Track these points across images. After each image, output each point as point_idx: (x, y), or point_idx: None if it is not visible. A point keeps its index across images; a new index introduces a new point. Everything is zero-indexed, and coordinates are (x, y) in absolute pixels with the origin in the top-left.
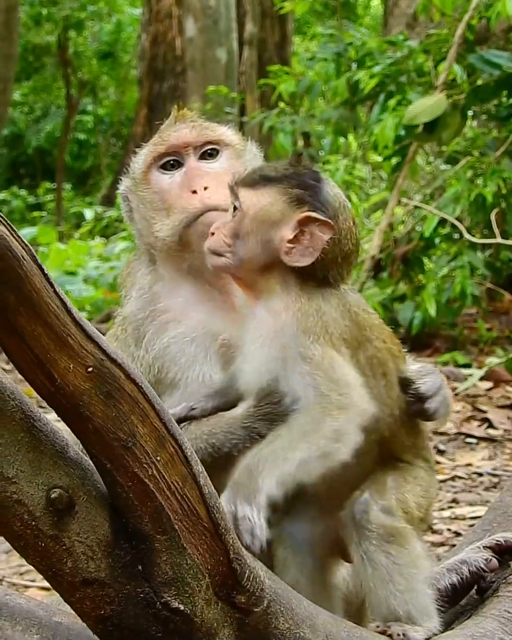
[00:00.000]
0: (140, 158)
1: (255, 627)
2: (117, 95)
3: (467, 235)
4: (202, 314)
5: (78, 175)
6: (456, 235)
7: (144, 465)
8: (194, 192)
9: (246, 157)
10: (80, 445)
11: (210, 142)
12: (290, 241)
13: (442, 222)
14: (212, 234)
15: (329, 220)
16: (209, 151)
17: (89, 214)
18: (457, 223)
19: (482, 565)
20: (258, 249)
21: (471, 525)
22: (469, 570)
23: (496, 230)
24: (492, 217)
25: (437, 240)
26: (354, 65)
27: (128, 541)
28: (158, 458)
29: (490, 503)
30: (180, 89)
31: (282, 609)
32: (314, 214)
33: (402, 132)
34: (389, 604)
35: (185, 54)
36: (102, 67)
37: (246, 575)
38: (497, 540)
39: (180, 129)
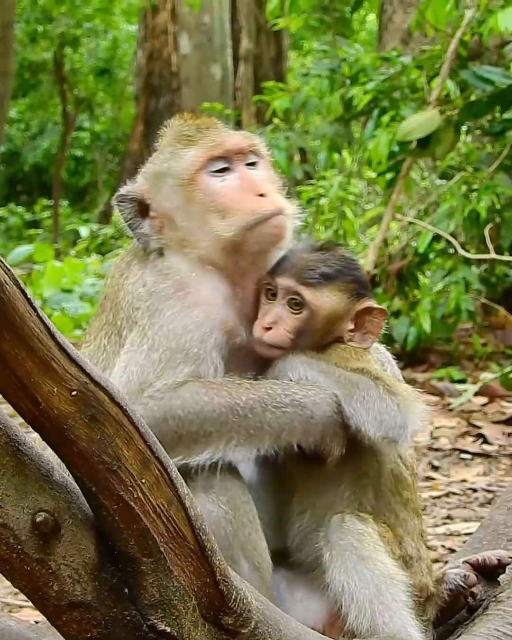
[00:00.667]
0: (186, 160)
1: None
2: (114, 111)
3: (461, 251)
4: (220, 313)
5: (75, 191)
6: (451, 251)
7: (129, 487)
8: (262, 195)
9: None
10: (66, 469)
11: (254, 152)
12: (351, 330)
13: (437, 237)
14: (269, 328)
15: (384, 308)
16: (252, 159)
17: (84, 231)
18: (451, 238)
19: (461, 583)
20: (320, 340)
21: (466, 542)
22: (447, 588)
23: (490, 246)
24: (487, 232)
25: (431, 256)
26: (348, 81)
27: (114, 564)
28: (143, 480)
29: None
30: (176, 105)
31: (269, 630)
32: (372, 305)
33: (396, 148)
34: (367, 620)
35: (181, 70)
36: (98, 84)
37: (233, 597)
38: (478, 558)
39: (233, 135)
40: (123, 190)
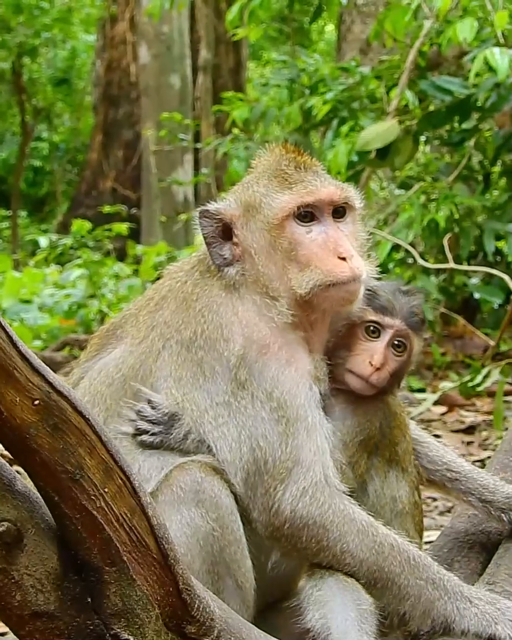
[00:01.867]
0: (277, 203)
1: None
2: (72, 121)
3: (420, 261)
4: (309, 363)
5: (33, 202)
6: (410, 260)
7: (92, 497)
8: (343, 258)
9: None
10: (28, 478)
11: (346, 204)
12: None
13: (396, 247)
14: (379, 368)
15: None
16: (340, 210)
17: (43, 241)
18: (410, 248)
19: None
20: (399, 381)
21: (425, 551)
22: None
23: (449, 255)
24: (445, 242)
25: (391, 266)
26: (307, 91)
27: (77, 573)
28: (106, 490)
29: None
30: (135, 115)
31: (232, 638)
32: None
33: (355, 158)
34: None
35: (140, 80)
36: (57, 94)
37: (196, 606)
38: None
39: (328, 185)
40: (211, 207)
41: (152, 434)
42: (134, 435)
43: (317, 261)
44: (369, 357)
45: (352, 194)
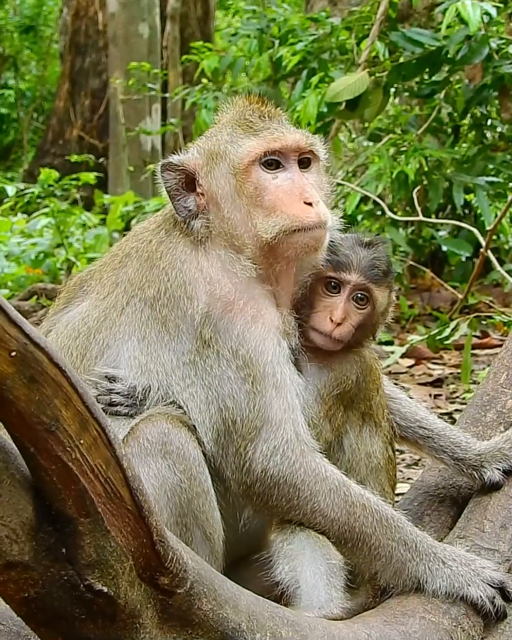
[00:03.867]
0: (243, 149)
1: (178, 608)
2: (39, 69)
3: (389, 213)
4: (276, 318)
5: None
6: (378, 213)
7: (67, 448)
8: (309, 204)
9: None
10: (3, 429)
11: (310, 152)
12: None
13: (365, 199)
14: (340, 323)
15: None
16: (305, 160)
17: (11, 190)
18: (379, 200)
19: None
20: (366, 335)
21: (397, 502)
22: None
23: (418, 208)
24: (414, 194)
25: (359, 218)
26: (276, 42)
27: (52, 524)
28: (81, 441)
29: (412, 481)
30: (103, 64)
31: (205, 590)
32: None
33: (325, 109)
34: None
35: (108, 28)
36: (23, 41)
37: (169, 557)
38: None
39: (294, 132)
40: (173, 159)
41: (127, 406)
42: (106, 408)
43: (283, 206)
44: (329, 313)
45: (317, 142)
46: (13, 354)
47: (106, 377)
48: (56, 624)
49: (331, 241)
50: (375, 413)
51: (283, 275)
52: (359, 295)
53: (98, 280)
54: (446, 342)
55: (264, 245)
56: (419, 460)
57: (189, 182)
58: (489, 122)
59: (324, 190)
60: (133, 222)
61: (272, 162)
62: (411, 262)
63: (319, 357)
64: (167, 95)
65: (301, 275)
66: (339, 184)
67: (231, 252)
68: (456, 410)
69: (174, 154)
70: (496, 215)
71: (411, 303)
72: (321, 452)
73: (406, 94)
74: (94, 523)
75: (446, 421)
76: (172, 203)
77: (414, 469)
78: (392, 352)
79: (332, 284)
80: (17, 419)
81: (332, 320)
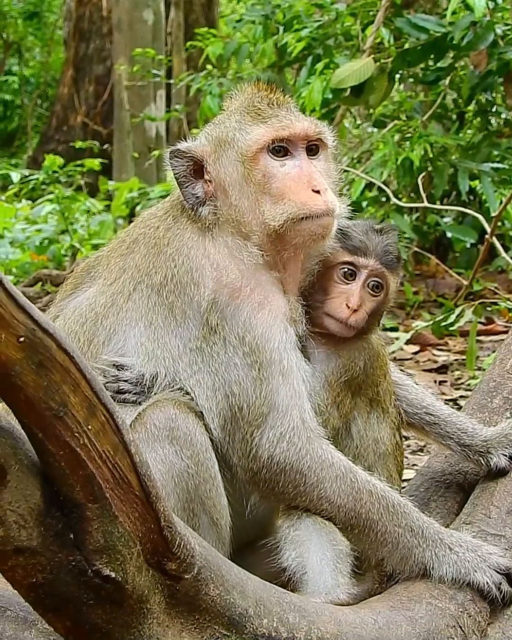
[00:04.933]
0: (252, 136)
1: (185, 594)
2: (43, 55)
3: (394, 199)
4: (283, 305)
5: (3, 137)
6: (383, 199)
7: (76, 434)
8: (316, 192)
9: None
10: (12, 415)
11: (319, 140)
12: None
13: (370, 185)
14: (356, 310)
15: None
16: (313, 147)
17: (15, 176)
18: (384, 187)
19: None
20: (377, 321)
21: (403, 488)
22: None
23: (423, 194)
24: (419, 180)
25: (364, 204)
26: (281, 28)
27: (60, 510)
28: (89, 427)
29: (417, 468)
30: (107, 50)
31: (212, 575)
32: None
33: (330, 96)
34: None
35: (112, 14)
36: (27, 28)
37: (177, 543)
38: None
39: (302, 120)
40: (182, 146)
41: (135, 394)
42: (114, 396)
43: (291, 194)
44: (346, 300)
45: (326, 130)
46: (21, 339)
47: (114, 365)
48: (64, 610)
49: (341, 228)
50: (382, 399)
51: (290, 262)
52: (374, 282)
53: (105, 266)
54: (450, 329)
55: (271, 233)
56: (424, 446)
57: (197, 169)
58: (494, 108)
59: (332, 177)
60: (137, 208)
61: (280, 149)
62: (416, 249)
63: (326, 344)
64: (171, 81)
65: (308, 262)
66: (344, 170)
67: (238, 239)
68: (461, 396)
69: (178, 140)
70: (501, 202)
71: (416, 289)
72: (328, 439)
73: (411, 80)
74: (101, 508)
75: (451, 407)
76: (180, 190)
77: (419, 455)
78: (397, 339)
79: (347, 270)
80: (25, 404)
81: (348, 307)
